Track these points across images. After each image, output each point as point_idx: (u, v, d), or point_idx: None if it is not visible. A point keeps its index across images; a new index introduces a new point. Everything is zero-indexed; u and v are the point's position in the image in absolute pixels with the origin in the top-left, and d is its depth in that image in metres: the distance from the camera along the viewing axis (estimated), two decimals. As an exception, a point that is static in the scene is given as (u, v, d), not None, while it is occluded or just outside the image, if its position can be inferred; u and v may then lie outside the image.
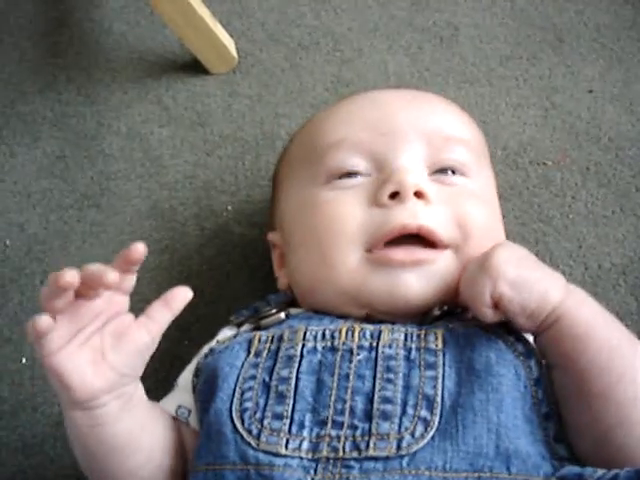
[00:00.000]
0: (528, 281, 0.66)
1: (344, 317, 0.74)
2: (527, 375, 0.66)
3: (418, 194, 0.73)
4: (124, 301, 0.67)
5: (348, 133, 0.78)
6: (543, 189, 1.00)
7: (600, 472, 0.61)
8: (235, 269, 0.96)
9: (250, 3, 1.18)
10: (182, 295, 0.65)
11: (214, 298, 0.94)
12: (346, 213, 0.74)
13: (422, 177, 0.75)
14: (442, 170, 0.77)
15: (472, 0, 1.18)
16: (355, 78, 1.11)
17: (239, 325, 0.79)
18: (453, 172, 0.77)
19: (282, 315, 0.75)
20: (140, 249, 0.63)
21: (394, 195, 0.73)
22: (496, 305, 0.66)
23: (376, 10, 1.17)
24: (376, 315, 0.73)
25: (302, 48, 1.14)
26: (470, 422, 0.63)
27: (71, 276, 0.59)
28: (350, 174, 0.77)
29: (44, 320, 0.60)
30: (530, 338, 0.69)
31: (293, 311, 0.77)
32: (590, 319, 0.66)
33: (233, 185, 1.02)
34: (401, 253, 0.72)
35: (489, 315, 0.67)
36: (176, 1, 1.02)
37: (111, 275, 0.60)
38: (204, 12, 1.05)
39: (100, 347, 0.63)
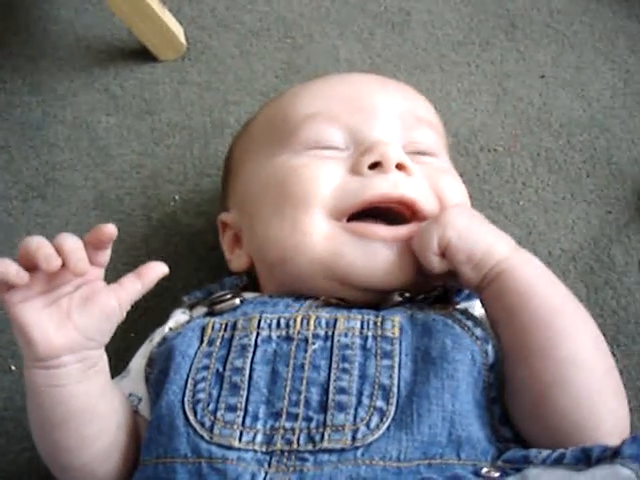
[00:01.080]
0: (476, 233, 0.69)
1: (302, 298, 0.73)
2: (483, 360, 0.66)
3: (400, 166, 0.74)
4: (99, 272, 0.68)
5: (324, 107, 0.78)
6: (493, 175, 1.00)
7: (545, 453, 0.60)
8: (182, 259, 0.94)
9: (200, -11, 1.17)
10: (157, 269, 0.68)
11: (161, 289, 0.89)
12: (321, 176, 0.74)
13: (402, 151, 0.76)
14: (414, 152, 0.78)
15: (425, -15, 1.17)
16: (306, 65, 1.10)
17: (191, 307, 0.78)
18: (423, 154, 0.78)
19: (237, 301, 0.74)
20: (110, 230, 0.65)
21: (374, 166, 0.73)
22: (443, 254, 0.68)
23: (328, -5, 1.16)
24: (339, 293, 0.73)
25: (252, 34, 1.13)
26: (425, 411, 0.62)
27: (48, 260, 0.61)
28: (325, 147, 0.76)
29: (14, 268, 0.61)
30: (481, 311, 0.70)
31: (247, 295, 0.76)
32: (534, 276, 0.67)
33: (181, 174, 1.01)
34: (383, 229, 0.72)
35: (435, 263, 0.69)
36: (122, -13, 1.00)
37: (80, 266, 0.62)
38: (151, -1, 1.04)
39: (67, 309, 0.64)
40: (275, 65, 1.10)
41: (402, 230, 0.72)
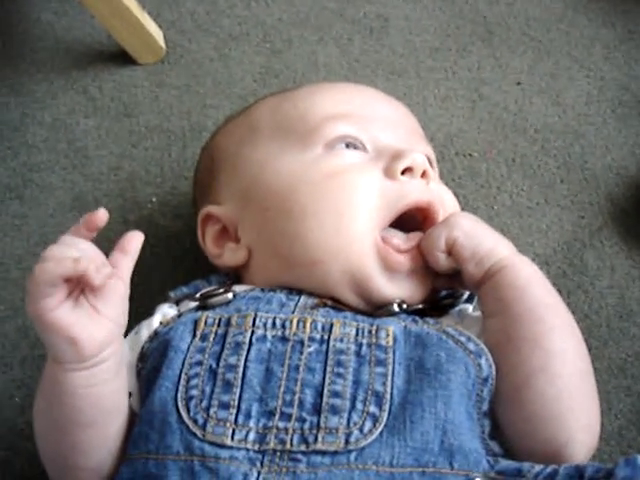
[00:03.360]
0: (480, 234, 0.74)
1: (295, 293, 0.73)
2: (477, 373, 0.67)
3: (424, 173, 0.76)
4: None
5: (345, 109, 0.80)
6: (469, 180, 1.01)
7: (538, 467, 0.62)
8: (159, 261, 0.94)
9: (180, -7, 1.17)
10: (136, 238, 0.68)
11: (138, 291, 0.90)
12: (364, 183, 0.75)
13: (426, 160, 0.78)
14: None
15: (403, -8, 1.18)
16: (284, 69, 1.10)
17: (177, 302, 0.77)
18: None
19: (229, 295, 0.74)
20: (104, 216, 0.66)
21: (404, 171, 0.76)
22: (449, 252, 0.72)
23: (307, 1, 1.17)
24: (346, 299, 0.73)
25: (232, 39, 1.13)
26: (418, 418, 0.63)
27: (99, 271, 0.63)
28: (349, 145, 0.78)
29: (57, 275, 0.61)
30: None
31: (238, 289, 0.75)
32: (532, 275, 0.72)
33: (158, 177, 1.01)
34: (404, 260, 0.74)
35: (442, 260, 0.73)
36: (101, -9, 1.01)
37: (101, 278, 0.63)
38: (130, 2, 1.04)
39: (89, 305, 0.64)
40: (254, 69, 1.10)
41: (416, 240, 0.75)
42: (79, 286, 0.64)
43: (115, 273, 0.65)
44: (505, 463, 0.64)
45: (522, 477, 0.62)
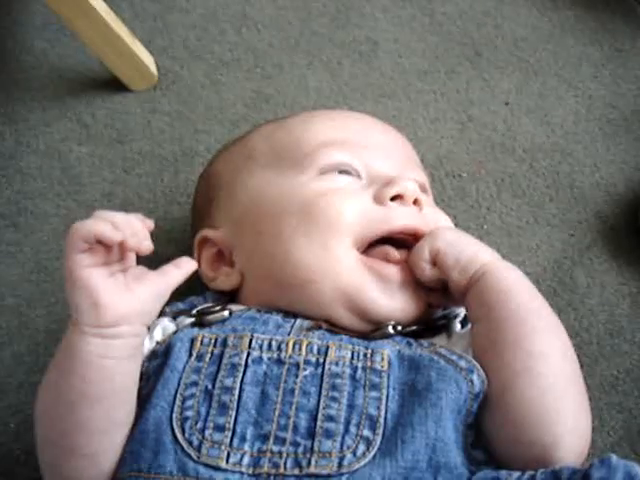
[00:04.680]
0: (463, 242, 0.75)
1: (291, 315, 0.74)
2: (469, 389, 0.67)
3: (416, 201, 0.78)
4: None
5: (340, 136, 0.82)
6: (458, 201, 1.02)
7: (515, 475, 0.63)
8: (152, 286, 0.95)
9: (171, 20, 1.18)
10: (190, 263, 0.72)
11: None
12: (350, 204, 0.76)
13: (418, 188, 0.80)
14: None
15: (392, 15, 1.19)
16: (275, 94, 1.12)
17: (174, 317, 0.77)
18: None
19: (226, 313, 0.75)
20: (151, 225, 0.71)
21: (394, 198, 0.77)
22: (434, 263, 0.74)
23: (297, 26, 1.18)
24: (342, 321, 0.74)
25: (223, 64, 1.14)
26: (409, 437, 0.64)
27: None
28: (342, 173, 0.79)
29: (92, 233, 0.65)
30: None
31: (235, 308, 0.76)
32: (515, 279, 0.74)
33: (151, 202, 1.02)
34: (394, 271, 0.75)
35: (427, 270, 0.74)
36: (92, 20, 1.02)
37: (146, 245, 0.69)
38: (121, 30, 1.05)
39: (124, 282, 0.67)
40: (245, 94, 1.12)
41: (405, 255, 0.77)
42: (121, 263, 0.68)
43: (161, 274, 0.70)
44: (482, 473, 0.64)
45: None
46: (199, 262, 0.83)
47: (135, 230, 0.68)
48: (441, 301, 0.78)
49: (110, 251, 0.67)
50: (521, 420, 0.66)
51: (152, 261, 0.96)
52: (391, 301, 0.75)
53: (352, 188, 0.78)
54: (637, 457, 0.85)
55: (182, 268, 0.71)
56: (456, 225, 0.98)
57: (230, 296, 0.81)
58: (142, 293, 0.68)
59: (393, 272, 0.75)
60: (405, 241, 0.77)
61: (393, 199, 0.77)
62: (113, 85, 1.11)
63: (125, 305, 0.66)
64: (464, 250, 0.74)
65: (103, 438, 0.67)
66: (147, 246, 0.68)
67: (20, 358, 0.91)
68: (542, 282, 0.95)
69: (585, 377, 0.87)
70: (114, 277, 0.67)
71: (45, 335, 0.92)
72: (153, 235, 0.94)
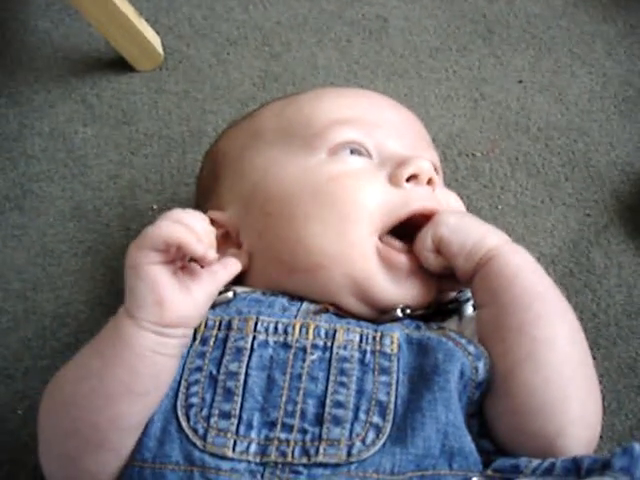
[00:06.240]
0: (467, 227, 0.72)
1: (297, 298, 0.72)
2: (471, 376, 0.65)
3: (430, 181, 0.76)
4: None
5: (351, 115, 0.79)
6: (472, 180, 1.00)
7: (535, 462, 0.61)
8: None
9: (177, -2, 1.17)
10: (237, 264, 0.72)
11: None
12: (367, 188, 0.74)
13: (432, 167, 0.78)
14: None
15: (402, -8, 1.17)
16: (283, 73, 1.10)
17: None
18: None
19: (230, 294, 0.73)
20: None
21: (409, 179, 0.75)
22: (438, 251, 0.71)
23: (305, 3, 1.16)
24: (349, 306, 0.72)
25: (230, 43, 1.13)
26: (419, 424, 0.62)
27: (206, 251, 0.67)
28: (353, 151, 0.77)
29: (176, 240, 0.65)
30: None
31: (239, 289, 0.74)
32: (521, 263, 0.70)
33: (159, 184, 1.00)
34: (404, 259, 0.73)
35: (431, 259, 0.72)
36: (97, -2, 1.00)
37: (211, 254, 0.67)
38: (127, 9, 1.03)
39: (184, 281, 0.66)
40: (253, 73, 1.10)
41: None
42: (182, 261, 0.66)
43: (212, 275, 0.68)
44: (501, 460, 0.63)
45: (520, 473, 0.60)
46: None
47: (211, 242, 0.69)
48: (453, 286, 0.75)
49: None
50: (525, 409, 0.64)
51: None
52: (400, 290, 0.73)
53: (366, 170, 0.76)
54: (657, 440, 0.83)
55: (229, 268, 0.70)
56: (469, 205, 0.97)
57: (235, 277, 0.79)
58: (199, 295, 0.67)
59: (403, 260, 0.73)
60: (420, 224, 0.75)
61: (408, 180, 0.75)
62: (118, 65, 1.09)
63: (185, 307, 0.66)
64: (469, 235, 0.71)
65: (134, 434, 0.65)
66: (215, 258, 0.68)
67: (27, 343, 0.89)
68: (558, 263, 0.94)
69: (603, 359, 0.87)
70: (177, 276, 0.66)
71: (52, 319, 0.91)
72: (160, 216, 0.94)
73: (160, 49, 1.09)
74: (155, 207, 0.98)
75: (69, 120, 1.06)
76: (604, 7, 1.18)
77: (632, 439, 0.83)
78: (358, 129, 0.78)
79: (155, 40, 1.09)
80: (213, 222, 0.80)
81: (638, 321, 0.90)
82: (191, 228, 0.66)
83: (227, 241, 0.79)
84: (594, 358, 0.86)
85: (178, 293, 0.65)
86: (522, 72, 1.10)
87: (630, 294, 0.92)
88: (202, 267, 0.68)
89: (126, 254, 0.67)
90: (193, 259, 0.67)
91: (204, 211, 0.81)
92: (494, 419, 0.67)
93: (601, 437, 0.82)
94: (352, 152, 0.77)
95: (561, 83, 1.09)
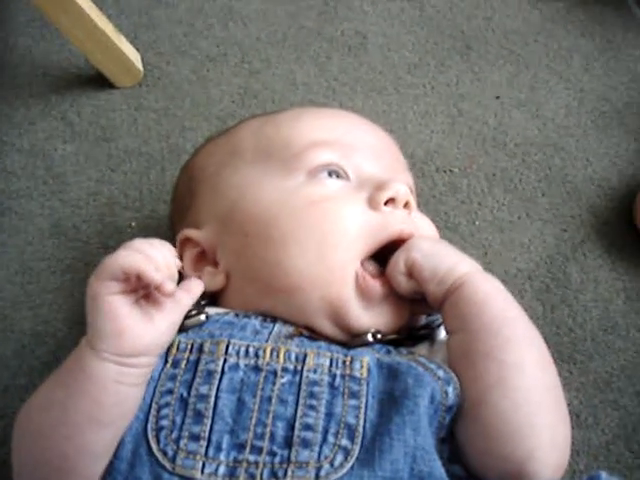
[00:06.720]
0: (440, 253, 0.72)
1: (269, 320, 0.72)
2: (441, 400, 0.66)
3: (406, 204, 0.76)
4: None
5: (329, 136, 0.79)
6: (449, 196, 1.01)
7: None
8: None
9: (157, 15, 1.17)
10: (199, 285, 0.72)
11: None
12: (348, 212, 0.74)
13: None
14: None
15: (380, 9, 1.18)
16: (263, 89, 1.10)
17: None
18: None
19: (202, 317, 0.72)
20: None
21: (387, 202, 0.75)
22: (410, 274, 0.71)
23: (285, 21, 1.17)
24: (323, 329, 0.72)
25: (209, 60, 1.13)
26: (387, 447, 0.62)
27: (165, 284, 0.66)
28: (332, 173, 0.77)
29: (134, 268, 0.64)
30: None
31: (211, 311, 0.74)
32: (490, 291, 0.71)
33: (137, 201, 1.00)
34: (377, 285, 0.73)
35: (403, 283, 0.72)
36: (76, 15, 1.00)
37: (169, 287, 0.66)
38: (106, 25, 1.03)
39: (146, 310, 0.66)
40: (232, 90, 1.10)
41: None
42: (143, 291, 0.66)
43: (176, 302, 0.68)
44: None
45: None
46: (181, 262, 0.81)
47: (172, 273, 0.70)
48: (425, 310, 0.76)
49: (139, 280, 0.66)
50: (494, 433, 0.64)
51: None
52: (373, 316, 0.73)
53: (345, 193, 0.76)
54: (632, 455, 0.84)
55: (192, 292, 0.70)
56: (447, 221, 0.98)
57: (210, 296, 0.79)
58: (162, 324, 0.66)
59: (377, 287, 0.73)
60: (395, 247, 0.75)
61: (386, 203, 0.75)
62: (98, 82, 1.10)
63: (147, 337, 0.65)
64: (442, 262, 0.71)
65: (104, 460, 0.65)
66: (173, 290, 0.67)
67: (5, 361, 0.89)
68: (535, 278, 0.94)
69: (579, 374, 0.88)
70: (138, 305, 0.66)
71: (30, 338, 0.91)
72: (139, 233, 0.94)
73: (140, 65, 1.09)
74: (134, 224, 0.98)
75: (49, 137, 1.06)
76: (582, 23, 1.19)
77: (609, 453, 0.84)
78: (336, 151, 0.78)
79: (135, 57, 1.09)
80: (189, 241, 0.80)
81: (614, 336, 0.91)
82: (150, 257, 0.67)
83: (203, 259, 0.79)
84: (570, 373, 0.88)
85: (139, 322, 0.65)
86: (499, 88, 1.11)
87: (606, 309, 0.93)
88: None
89: (87, 285, 0.66)
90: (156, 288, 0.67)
91: (180, 228, 0.82)
92: (465, 443, 0.67)
93: (577, 452, 0.83)
94: (330, 174, 0.77)
95: (538, 99, 1.10)
